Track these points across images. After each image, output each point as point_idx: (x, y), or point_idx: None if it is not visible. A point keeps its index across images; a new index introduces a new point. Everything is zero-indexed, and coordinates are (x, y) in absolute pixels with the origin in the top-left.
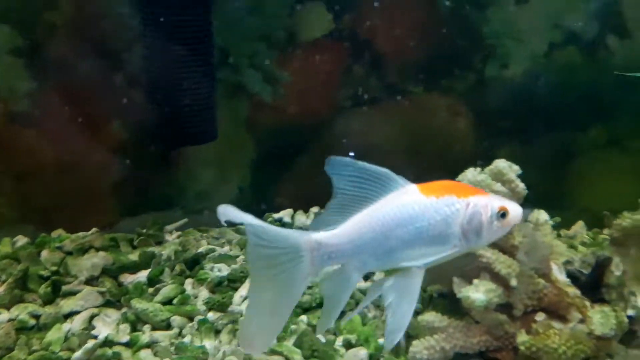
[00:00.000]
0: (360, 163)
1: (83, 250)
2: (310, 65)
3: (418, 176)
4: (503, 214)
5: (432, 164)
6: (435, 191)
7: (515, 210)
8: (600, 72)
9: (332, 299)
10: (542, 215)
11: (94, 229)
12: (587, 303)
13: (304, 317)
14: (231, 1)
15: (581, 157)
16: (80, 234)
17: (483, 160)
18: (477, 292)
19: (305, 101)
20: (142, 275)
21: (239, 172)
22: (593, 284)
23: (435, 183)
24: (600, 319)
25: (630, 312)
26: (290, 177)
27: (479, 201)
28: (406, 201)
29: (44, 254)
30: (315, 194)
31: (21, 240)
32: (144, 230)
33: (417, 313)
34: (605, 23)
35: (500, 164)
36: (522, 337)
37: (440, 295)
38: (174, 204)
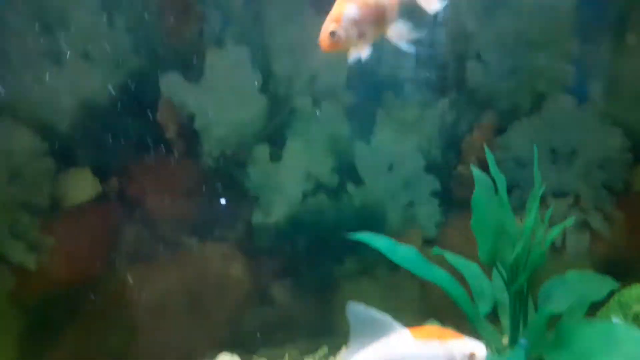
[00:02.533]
0: (369, 310)
1: None
2: (78, 229)
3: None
4: (472, 355)
5: (211, 308)
6: (423, 335)
7: (481, 353)
8: (345, 213)
9: None
10: None
11: None
12: None
13: None
14: None
15: (341, 287)
16: None
17: (259, 300)
18: None
19: (75, 266)
20: None
21: (1, 349)
22: None
23: (424, 328)
24: None
25: None
26: (63, 347)
27: (455, 345)
28: (401, 342)
29: None
30: None
31: None
32: None
33: None
34: (344, 174)
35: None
36: None
37: None
38: None
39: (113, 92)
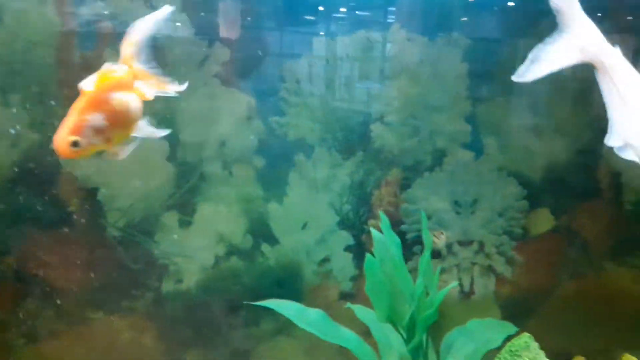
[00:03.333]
0: None
1: None
2: None
3: None
4: None
5: None
6: None
7: None
8: (259, 275)
9: None
10: None
11: None
12: None
13: None
14: None
15: (258, 350)
16: None
17: None
18: None
19: None
20: None
21: None
22: None
23: None
24: None
25: None
26: None
27: None
28: None
29: None
30: None
31: None
32: None
33: None
34: (258, 235)
35: None
36: None
37: None
38: None
39: (7, 169)
